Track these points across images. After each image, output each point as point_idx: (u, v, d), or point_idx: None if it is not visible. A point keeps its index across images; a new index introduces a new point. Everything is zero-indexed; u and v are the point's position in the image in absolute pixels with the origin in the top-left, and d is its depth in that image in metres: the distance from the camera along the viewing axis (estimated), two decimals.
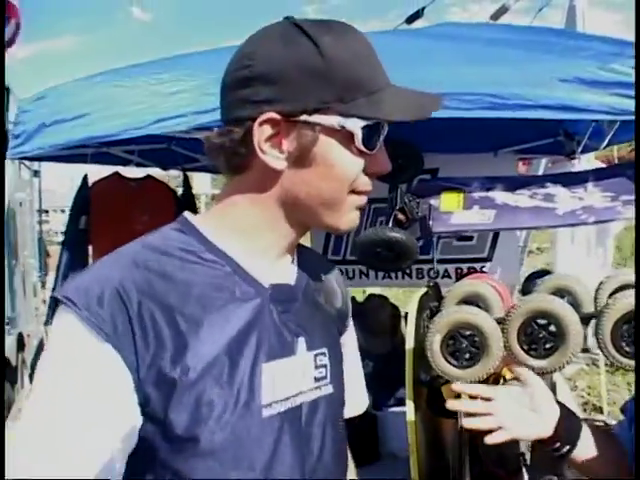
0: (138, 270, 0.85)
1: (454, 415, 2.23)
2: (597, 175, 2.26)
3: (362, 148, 0.88)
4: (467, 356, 1.85)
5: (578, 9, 5.10)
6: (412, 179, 2.80)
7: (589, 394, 4.85)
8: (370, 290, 4.87)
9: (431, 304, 2.53)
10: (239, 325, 0.87)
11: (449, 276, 3.92)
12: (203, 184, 10.80)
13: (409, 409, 2.02)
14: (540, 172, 4.53)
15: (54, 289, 3.44)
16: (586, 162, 4.02)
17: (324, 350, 1.00)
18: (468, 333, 1.84)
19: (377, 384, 2.87)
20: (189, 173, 4.50)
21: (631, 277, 2.14)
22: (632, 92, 2.02)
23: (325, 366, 0.99)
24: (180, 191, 4.33)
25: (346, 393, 1.09)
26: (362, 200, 0.94)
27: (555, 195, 2.27)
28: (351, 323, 1.19)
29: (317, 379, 0.97)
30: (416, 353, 2.12)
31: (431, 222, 2.32)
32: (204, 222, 0.95)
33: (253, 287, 0.91)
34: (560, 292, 2.16)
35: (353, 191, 0.92)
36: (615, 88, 2.05)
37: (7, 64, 3.22)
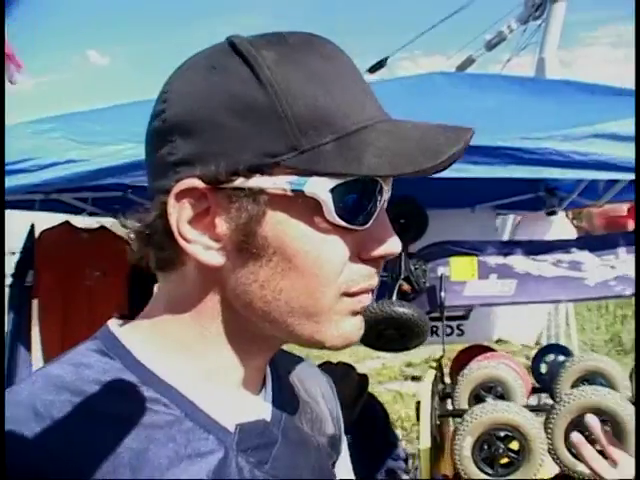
0: (40, 423, 0.55)
1: None
2: (629, 240, 2.01)
3: (337, 221, 0.56)
4: (504, 462, 1.55)
5: (547, 61, 5.10)
6: (415, 241, 2.50)
7: None
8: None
9: (439, 387, 2.23)
10: None
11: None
12: None
13: None
14: (508, 227, 4.33)
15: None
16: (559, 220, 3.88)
17: None
18: (504, 434, 1.54)
19: None
20: None
21: None
22: None
23: None
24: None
25: None
26: (360, 303, 0.61)
27: (583, 263, 2.01)
28: (344, 444, 0.86)
29: None
30: (432, 453, 1.79)
31: (442, 294, 2.02)
32: (135, 338, 0.64)
33: (213, 434, 0.61)
34: (593, 376, 1.90)
35: (345, 292, 0.59)
36: None
37: None
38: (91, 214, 3.53)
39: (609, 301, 8.61)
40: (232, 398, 0.64)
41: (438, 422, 1.97)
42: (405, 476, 3.48)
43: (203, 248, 0.57)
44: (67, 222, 3.52)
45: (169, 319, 0.63)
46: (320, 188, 0.54)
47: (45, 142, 2.04)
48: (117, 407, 0.58)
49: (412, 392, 6.59)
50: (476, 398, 1.93)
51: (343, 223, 0.56)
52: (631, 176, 1.92)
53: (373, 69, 6.75)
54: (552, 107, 2.06)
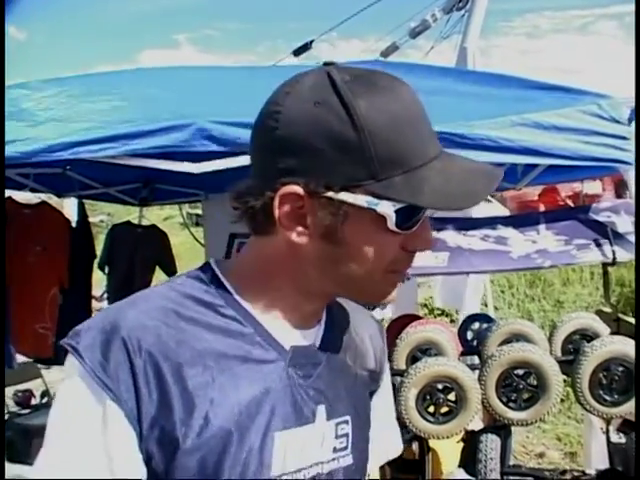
0: (149, 319, 0.79)
1: (415, 471, 2.11)
2: (548, 218, 2.25)
3: (396, 230, 0.78)
4: (444, 411, 1.75)
5: (469, 50, 5.28)
6: None
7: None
8: None
9: None
10: (253, 389, 0.80)
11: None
12: None
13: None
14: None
15: None
16: (485, 202, 4.11)
17: (347, 418, 0.91)
18: (443, 387, 1.74)
19: None
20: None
21: (586, 320, 2.14)
22: (588, 138, 2.05)
23: (347, 435, 0.91)
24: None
25: (378, 443, 1.01)
26: (400, 278, 0.85)
27: (508, 238, 2.23)
28: (385, 380, 1.07)
29: (336, 449, 0.89)
30: None
31: None
32: (228, 275, 0.87)
33: (273, 349, 0.84)
34: (515, 338, 2.13)
35: (390, 270, 0.82)
36: (571, 134, 2.06)
37: None
38: (32, 190, 3.54)
39: (520, 280, 9.11)
40: (292, 328, 0.87)
41: None
42: None
43: (295, 233, 0.78)
44: (9, 197, 3.51)
45: (257, 269, 0.86)
46: (388, 209, 0.75)
47: None
48: (205, 316, 0.81)
49: None
50: (413, 359, 2.12)
51: (399, 231, 0.77)
52: (550, 161, 2.16)
53: (298, 52, 6.81)
54: (482, 97, 2.27)
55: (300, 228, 0.78)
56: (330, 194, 0.75)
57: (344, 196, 0.75)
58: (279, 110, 0.77)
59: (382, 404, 1.06)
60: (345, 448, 0.90)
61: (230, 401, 0.78)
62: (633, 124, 2.08)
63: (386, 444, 1.08)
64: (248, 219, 0.83)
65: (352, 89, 0.75)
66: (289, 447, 0.82)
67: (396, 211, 0.76)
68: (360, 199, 0.75)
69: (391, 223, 0.76)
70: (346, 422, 0.91)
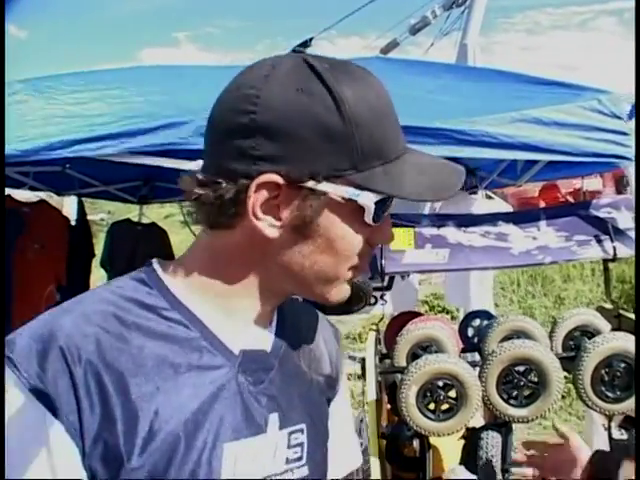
0: (89, 325, 0.74)
1: (416, 468, 2.10)
2: (549, 214, 2.24)
3: (372, 223, 0.77)
4: (444, 408, 1.75)
5: (470, 47, 5.28)
6: None
7: None
8: None
9: (378, 347, 2.41)
10: (200, 398, 0.76)
11: None
12: None
13: (374, 467, 1.86)
14: (428, 204, 4.50)
15: None
16: (482, 198, 4.09)
17: (301, 427, 0.87)
18: (443, 384, 1.74)
19: None
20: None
21: (587, 317, 2.13)
22: (589, 134, 2.04)
23: (301, 445, 0.86)
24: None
25: (337, 456, 0.97)
26: (358, 274, 0.83)
27: (508, 234, 2.23)
28: (342, 386, 1.03)
29: (290, 460, 0.84)
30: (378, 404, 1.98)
31: (383, 262, 2.20)
32: (173, 275, 0.82)
33: (221, 353, 0.79)
34: (516, 334, 2.13)
35: (353, 266, 0.81)
36: (572, 129, 2.05)
37: None
38: (31, 188, 3.54)
39: (520, 278, 9.12)
40: (242, 331, 0.82)
41: (379, 379, 2.16)
42: None
43: (267, 225, 0.75)
44: (8, 195, 3.51)
45: (205, 268, 0.81)
46: (369, 200, 0.75)
47: None
48: (147, 321, 0.76)
49: None
50: (413, 356, 2.12)
51: (373, 224, 0.77)
52: (550, 157, 2.15)
53: (297, 50, 6.81)
54: (483, 93, 2.26)
55: (272, 220, 0.75)
56: (311, 184, 0.73)
57: (326, 186, 0.73)
58: (257, 94, 0.73)
59: (339, 412, 1.01)
60: (299, 459, 0.85)
61: (175, 411, 0.74)
62: (633, 120, 2.08)
63: (345, 455, 1.03)
64: (212, 209, 0.77)
65: (335, 77, 0.73)
66: (239, 459, 0.77)
67: (376, 203, 0.75)
68: (342, 190, 0.74)
69: (369, 215, 0.75)
70: (300, 431, 0.86)
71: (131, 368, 0.73)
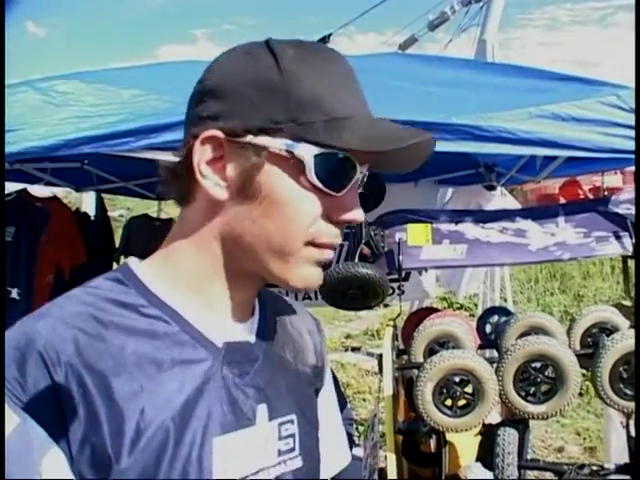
0: (66, 328, 0.71)
1: (432, 464, 2.10)
2: (567, 210, 2.23)
3: (315, 182, 0.73)
4: (461, 404, 1.75)
5: (488, 43, 5.26)
6: (373, 209, 2.67)
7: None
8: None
9: (395, 343, 2.41)
10: (186, 392, 0.74)
11: None
12: None
13: (390, 463, 1.86)
14: (446, 200, 4.46)
15: None
16: (500, 195, 4.06)
17: (292, 417, 0.85)
18: (460, 380, 1.74)
19: None
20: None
21: (605, 314, 2.12)
22: (607, 129, 2.02)
23: (292, 436, 0.85)
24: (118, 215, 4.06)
25: (325, 452, 0.94)
26: (323, 254, 0.78)
27: (526, 230, 2.22)
28: (328, 377, 1.02)
29: (282, 452, 0.83)
30: (394, 399, 1.98)
31: (401, 257, 2.20)
32: (149, 270, 0.81)
33: (203, 346, 0.78)
34: (534, 331, 2.12)
35: (312, 242, 0.76)
36: (591, 125, 2.04)
37: None
38: (47, 184, 3.59)
39: (539, 275, 9.06)
40: (223, 323, 0.81)
41: (396, 374, 2.16)
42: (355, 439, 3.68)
43: (213, 184, 0.75)
44: (25, 189, 3.57)
45: (174, 255, 0.81)
46: (307, 152, 0.72)
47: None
48: (126, 320, 0.75)
49: (353, 362, 6.83)
50: (430, 352, 2.12)
51: (319, 184, 0.74)
52: (569, 153, 2.14)
53: None
54: (501, 89, 2.25)
55: (218, 179, 0.75)
56: (249, 138, 0.73)
57: (262, 140, 0.72)
58: (213, 65, 0.78)
59: (326, 403, 1.00)
60: (292, 450, 0.84)
61: (161, 408, 0.72)
62: None
63: (334, 451, 1.01)
64: (174, 183, 0.79)
65: (283, 45, 0.75)
66: (230, 453, 0.76)
67: (316, 156, 0.72)
68: (278, 142, 0.72)
69: (309, 172, 0.73)
70: (290, 422, 0.85)
71: (113, 368, 0.71)
